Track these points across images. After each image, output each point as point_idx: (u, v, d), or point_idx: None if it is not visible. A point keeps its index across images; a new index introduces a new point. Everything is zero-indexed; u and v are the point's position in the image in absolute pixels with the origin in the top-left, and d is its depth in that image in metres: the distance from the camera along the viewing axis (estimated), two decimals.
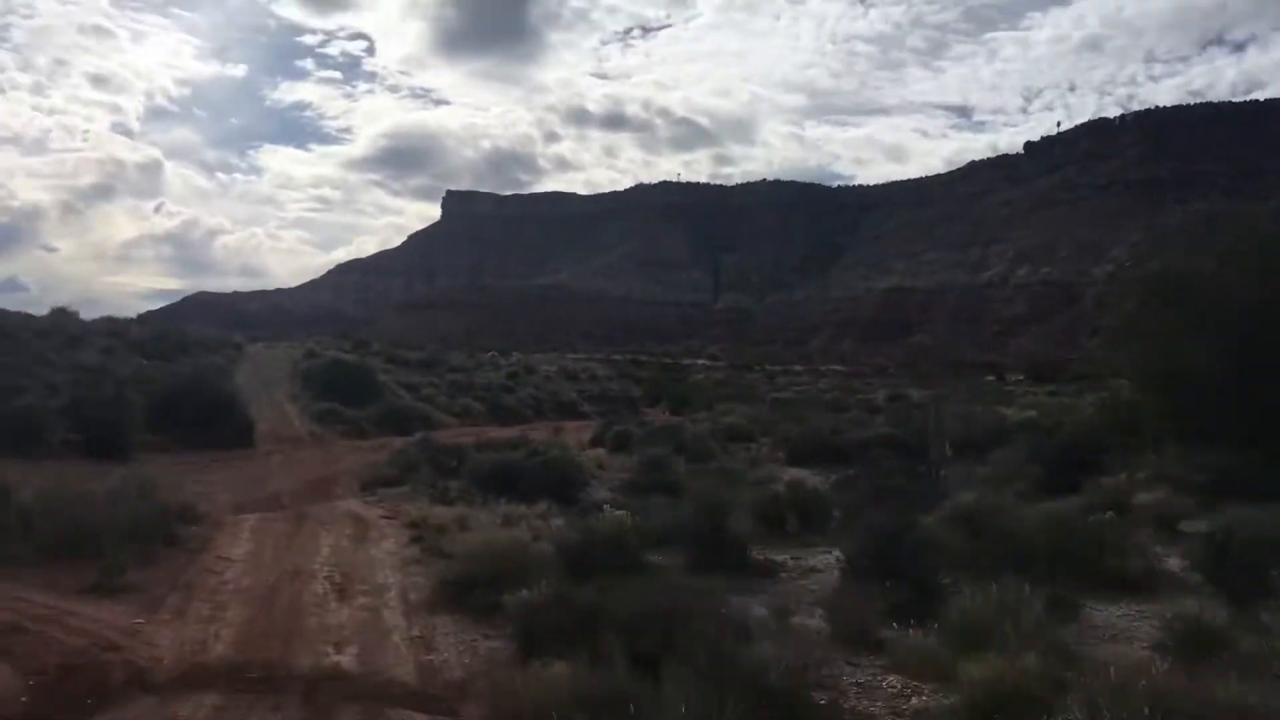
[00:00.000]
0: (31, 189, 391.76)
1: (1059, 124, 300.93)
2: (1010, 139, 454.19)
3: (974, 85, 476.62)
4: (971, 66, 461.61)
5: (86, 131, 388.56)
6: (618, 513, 13.50)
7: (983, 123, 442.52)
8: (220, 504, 20.33)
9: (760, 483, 19.84)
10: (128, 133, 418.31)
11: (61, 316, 41.62)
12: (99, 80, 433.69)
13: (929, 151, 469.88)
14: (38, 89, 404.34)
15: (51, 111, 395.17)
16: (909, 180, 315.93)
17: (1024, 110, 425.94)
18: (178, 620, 10.73)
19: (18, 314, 39.50)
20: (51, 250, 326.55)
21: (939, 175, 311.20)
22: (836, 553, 13.81)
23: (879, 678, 9.09)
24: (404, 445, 27.51)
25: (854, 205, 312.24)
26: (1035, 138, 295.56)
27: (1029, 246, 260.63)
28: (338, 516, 18.79)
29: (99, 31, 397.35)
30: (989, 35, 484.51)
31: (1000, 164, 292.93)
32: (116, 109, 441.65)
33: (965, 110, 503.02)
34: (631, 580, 10.18)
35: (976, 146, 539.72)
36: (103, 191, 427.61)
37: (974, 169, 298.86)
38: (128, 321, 44.95)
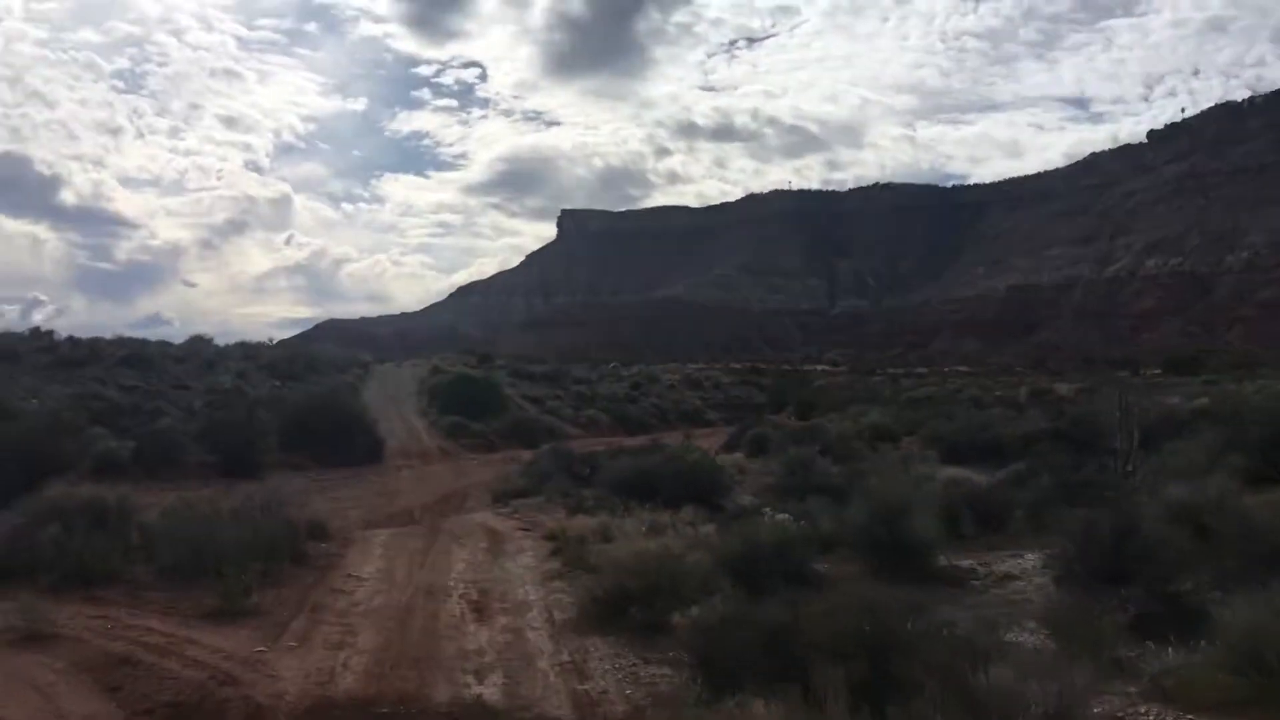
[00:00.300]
0: (171, 228, 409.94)
1: (1183, 110, 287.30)
2: (1132, 129, 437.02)
3: (1091, 75, 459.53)
4: (1088, 56, 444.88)
5: (220, 170, 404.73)
6: (780, 517, 11.86)
7: (1101, 113, 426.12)
8: (351, 520, 19.44)
9: (919, 482, 17.95)
10: (258, 169, 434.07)
11: (198, 342, 42.04)
12: (230, 121, 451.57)
13: (1046, 146, 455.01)
14: (174, 132, 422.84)
15: (187, 153, 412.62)
16: (1027, 176, 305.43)
17: (1145, 99, 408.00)
18: (303, 647, 9.55)
19: (156, 342, 40.02)
20: (191, 285, 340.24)
21: (1059, 169, 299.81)
22: (1031, 556, 11.97)
23: (1134, 708, 7.31)
24: (534, 456, 26.33)
25: (971, 204, 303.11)
26: (1158, 126, 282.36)
27: (1158, 237, 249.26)
28: (471, 530, 17.65)
29: (229, 74, 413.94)
30: (1105, 23, 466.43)
31: (1123, 154, 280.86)
32: (247, 147, 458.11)
33: (1082, 102, 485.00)
34: (811, 593, 8.61)
35: (1096, 138, 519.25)
36: (237, 227, 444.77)
37: (1095, 160, 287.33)
38: (259, 345, 44.98)
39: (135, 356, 36.90)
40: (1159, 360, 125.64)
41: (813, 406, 58.44)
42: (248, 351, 43.12)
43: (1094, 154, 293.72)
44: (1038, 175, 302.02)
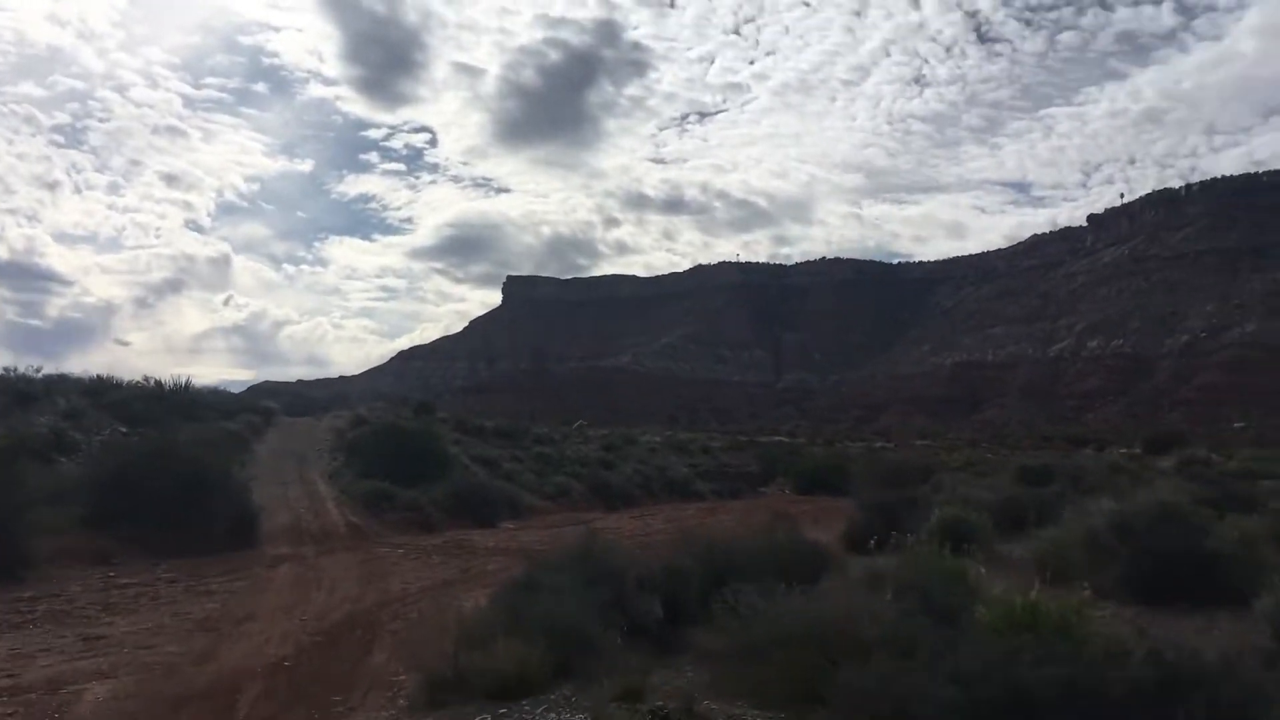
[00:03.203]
0: (106, 285, 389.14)
1: (1122, 196, 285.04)
2: (1071, 213, 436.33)
3: (1031, 161, 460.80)
4: (1029, 143, 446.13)
5: (159, 228, 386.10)
6: None
7: (1042, 198, 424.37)
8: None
9: None
10: (199, 229, 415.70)
11: (11, 374, 28.99)
12: (171, 179, 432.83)
13: (989, 227, 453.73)
14: (113, 188, 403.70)
15: (126, 210, 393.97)
16: (971, 255, 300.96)
17: (1084, 185, 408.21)
18: None
19: None
20: (125, 344, 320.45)
21: (1001, 250, 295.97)
22: None
23: None
24: (531, 567, 13.50)
25: (916, 281, 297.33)
26: (1097, 210, 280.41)
27: (1099, 319, 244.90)
28: None
29: (172, 132, 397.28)
30: (1045, 111, 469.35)
31: (1064, 237, 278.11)
32: (188, 206, 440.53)
33: (1024, 186, 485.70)
34: None
35: (1036, 221, 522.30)
36: (174, 286, 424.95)
37: (1037, 243, 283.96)
38: (115, 381, 31.82)
39: None
40: (1128, 439, 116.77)
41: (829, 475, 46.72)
42: (94, 387, 29.88)
43: (1035, 236, 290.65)
44: (981, 255, 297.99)
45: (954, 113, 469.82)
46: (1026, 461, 36.84)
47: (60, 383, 29.84)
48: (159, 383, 31.99)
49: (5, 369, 29.14)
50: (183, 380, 32.68)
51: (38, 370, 29.63)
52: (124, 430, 27.10)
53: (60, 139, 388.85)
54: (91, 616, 12.80)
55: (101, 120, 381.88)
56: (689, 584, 9.07)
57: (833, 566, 9.79)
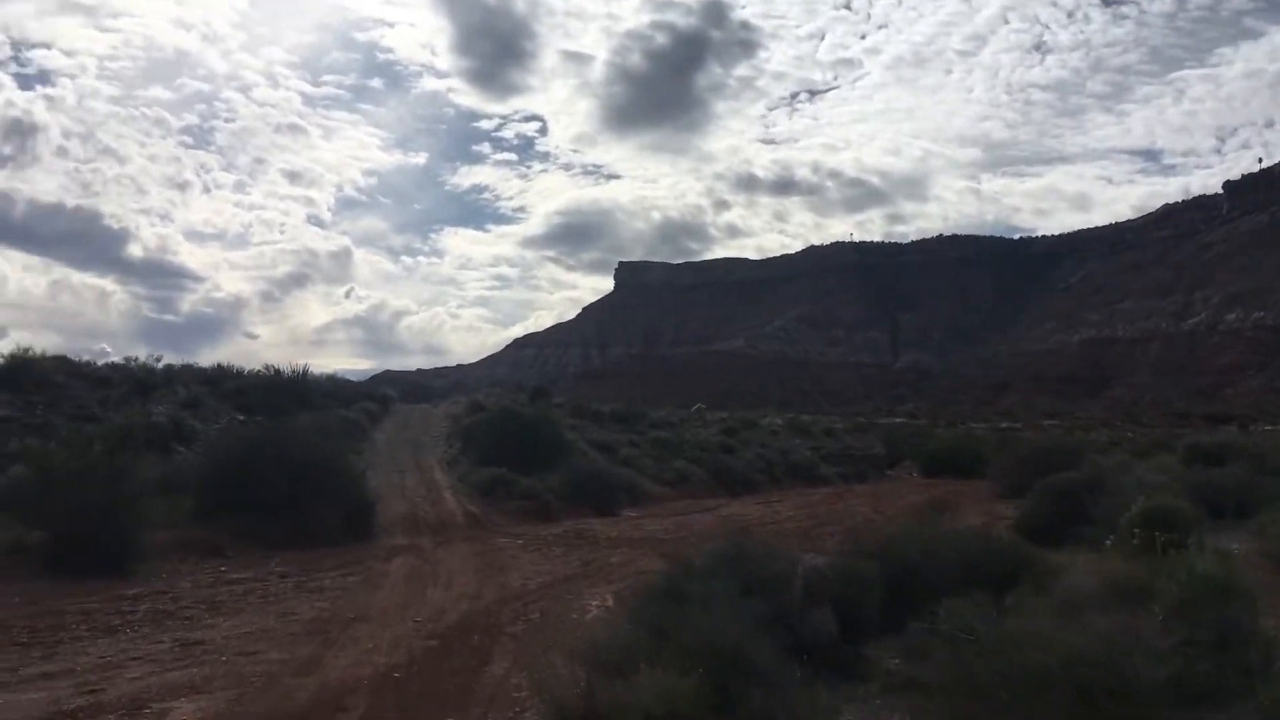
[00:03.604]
0: (235, 281, 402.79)
1: (1260, 160, 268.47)
2: (1204, 181, 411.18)
3: (1161, 128, 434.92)
4: (1158, 108, 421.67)
5: (283, 224, 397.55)
6: None
7: (1174, 165, 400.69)
8: None
9: None
10: (320, 223, 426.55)
11: (134, 362, 28.89)
12: (294, 175, 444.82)
13: (1116, 198, 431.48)
14: (239, 187, 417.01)
15: (252, 207, 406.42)
16: (1098, 228, 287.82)
17: (1218, 150, 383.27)
18: None
19: (60, 357, 26.78)
20: (253, 338, 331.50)
21: (1130, 221, 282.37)
22: None
23: None
24: (671, 568, 11.84)
25: (1039, 256, 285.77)
26: (1233, 177, 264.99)
27: (1238, 290, 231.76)
28: None
29: (293, 129, 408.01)
30: (1175, 75, 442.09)
31: (1198, 206, 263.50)
32: (310, 201, 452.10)
33: (1153, 153, 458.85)
34: None
35: (1168, 190, 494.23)
36: (298, 280, 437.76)
37: (1169, 212, 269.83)
38: (231, 369, 31.56)
39: (16, 372, 23.67)
40: (1271, 415, 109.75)
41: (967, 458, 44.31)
42: (213, 375, 29.64)
43: (1167, 205, 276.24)
44: (1108, 227, 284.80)
45: (1077, 80, 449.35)
46: (1198, 439, 33.68)
47: (180, 372, 29.67)
48: (277, 371, 31.67)
49: (126, 359, 29.06)
50: (300, 368, 32.23)
51: (158, 360, 29.48)
52: (241, 419, 26.69)
53: (189, 140, 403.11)
54: (194, 618, 11.87)
55: (227, 120, 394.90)
56: (868, 592, 7.50)
57: (1035, 569, 8.04)
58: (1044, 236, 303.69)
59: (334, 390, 34.24)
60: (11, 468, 17.08)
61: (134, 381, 26.88)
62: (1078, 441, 39.02)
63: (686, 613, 6.45)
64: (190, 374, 29.70)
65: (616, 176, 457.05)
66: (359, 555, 17.71)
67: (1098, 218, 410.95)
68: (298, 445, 20.02)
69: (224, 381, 29.43)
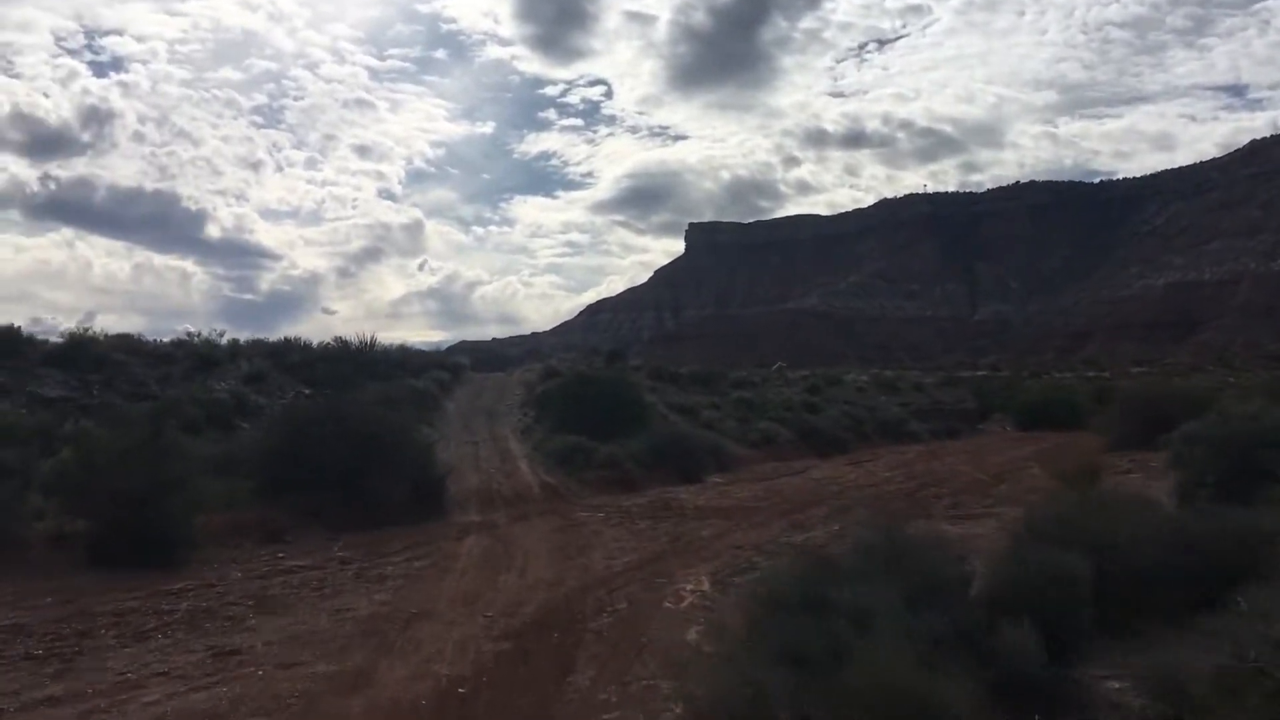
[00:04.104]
0: (311, 257, 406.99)
1: None
2: None
3: (1246, 61, 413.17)
4: (1242, 41, 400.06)
5: (355, 200, 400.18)
6: None
7: (1260, 100, 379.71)
8: None
9: None
10: (391, 197, 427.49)
11: (194, 337, 27.83)
12: (363, 150, 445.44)
13: (1200, 136, 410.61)
14: (311, 164, 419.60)
15: (324, 183, 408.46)
16: (1181, 168, 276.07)
17: None
18: None
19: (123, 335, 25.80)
20: (331, 313, 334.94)
21: (1216, 159, 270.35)
22: None
23: None
24: (811, 568, 9.83)
25: (1120, 200, 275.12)
26: None
27: None
28: None
29: (361, 104, 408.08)
30: (1260, 4, 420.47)
31: None
32: (380, 176, 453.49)
33: (1238, 89, 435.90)
34: None
35: (1255, 126, 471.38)
36: (372, 254, 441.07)
37: (1257, 149, 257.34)
38: (296, 342, 30.36)
39: (75, 350, 22.64)
40: None
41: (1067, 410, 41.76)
42: (278, 349, 28.47)
43: (1254, 141, 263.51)
44: (1193, 167, 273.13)
45: (1156, 15, 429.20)
46: None
47: (246, 347, 28.54)
48: (343, 342, 30.38)
49: (188, 333, 27.97)
50: (367, 339, 30.91)
51: (221, 334, 28.34)
52: (307, 392, 25.45)
53: (260, 119, 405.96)
54: (236, 617, 10.40)
55: (296, 99, 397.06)
56: (1075, 595, 5.59)
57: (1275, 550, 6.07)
58: (1125, 179, 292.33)
59: (403, 360, 32.87)
60: (62, 450, 15.92)
61: (197, 357, 25.73)
62: (1194, 387, 36.07)
63: (835, 633, 4.65)
64: (256, 348, 28.51)
65: (684, 137, 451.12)
66: (428, 535, 16.23)
67: (1181, 158, 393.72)
68: (362, 417, 18.58)
69: (289, 355, 28.20)
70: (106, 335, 25.39)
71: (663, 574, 12.57)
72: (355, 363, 29.10)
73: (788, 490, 22.53)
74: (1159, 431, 28.51)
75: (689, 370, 42.75)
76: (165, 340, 28.09)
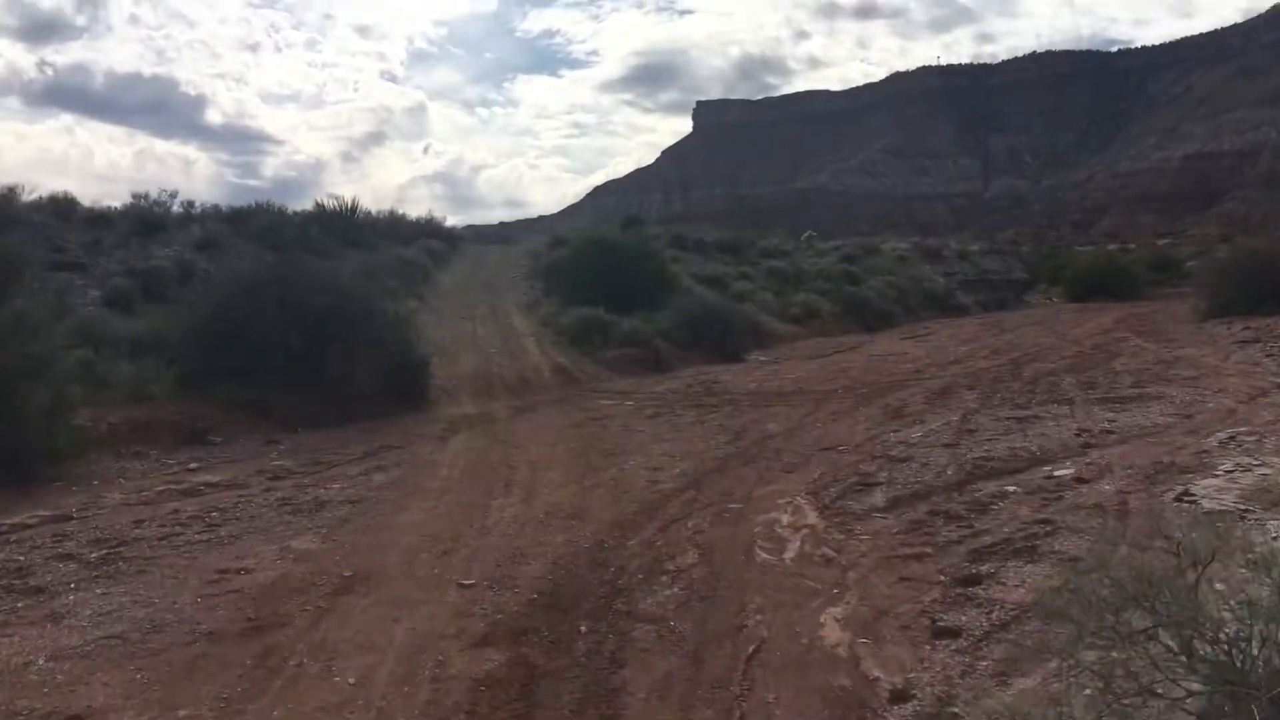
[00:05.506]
0: (314, 142, 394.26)
1: None
2: None
3: None
4: None
5: (356, 82, 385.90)
6: None
7: None
8: None
9: None
10: (394, 79, 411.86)
11: (145, 201, 23.07)
12: (364, 30, 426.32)
13: (1222, 2, 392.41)
14: (310, 45, 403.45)
15: (325, 65, 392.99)
16: (1201, 35, 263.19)
17: None
18: None
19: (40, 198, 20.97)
20: (337, 199, 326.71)
21: (1237, 25, 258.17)
22: None
23: None
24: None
25: (1138, 69, 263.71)
26: None
27: None
28: None
29: None
30: None
31: None
32: (382, 57, 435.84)
33: None
34: None
35: None
36: (376, 138, 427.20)
37: None
38: (273, 208, 25.61)
39: None
40: None
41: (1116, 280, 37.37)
42: (238, 214, 23.79)
43: (1278, 6, 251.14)
44: (1213, 33, 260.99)
45: None
46: None
47: (203, 212, 23.92)
48: (320, 206, 25.75)
49: (135, 195, 23.19)
50: (349, 202, 26.21)
51: (172, 195, 23.57)
52: (270, 260, 20.91)
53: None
54: (50, 586, 6.12)
55: None
56: None
57: None
58: (1143, 48, 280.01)
59: (391, 228, 28.21)
60: None
61: (138, 221, 21.13)
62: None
63: None
64: (213, 213, 23.86)
65: (690, 11, 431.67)
66: (403, 433, 11.98)
67: (1201, 24, 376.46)
68: (317, 282, 14.12)
69: (252, 219, 23.52)
70: (35, 197, 20.84)
71: (735, 494, 8.28)
72: (331, 229, 24.46)
73: (853, 370, 18.16)
74: (1267, 297, 24.14)
75: (714, 238, 37.95)
76: (114, 206, 23.45)
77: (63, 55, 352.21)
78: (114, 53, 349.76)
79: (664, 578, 6.05)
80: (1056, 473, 8.31)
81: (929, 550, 6.30)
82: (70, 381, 10.88)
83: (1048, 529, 6.52)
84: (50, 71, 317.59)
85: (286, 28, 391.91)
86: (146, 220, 21.39)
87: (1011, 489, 7.84)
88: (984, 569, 5.79)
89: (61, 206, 21.32)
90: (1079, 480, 7.96)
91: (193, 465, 10.33)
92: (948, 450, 9.53)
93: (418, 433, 12.04)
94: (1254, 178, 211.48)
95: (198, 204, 24.21)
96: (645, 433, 11.70)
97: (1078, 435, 9.95)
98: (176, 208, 23.27)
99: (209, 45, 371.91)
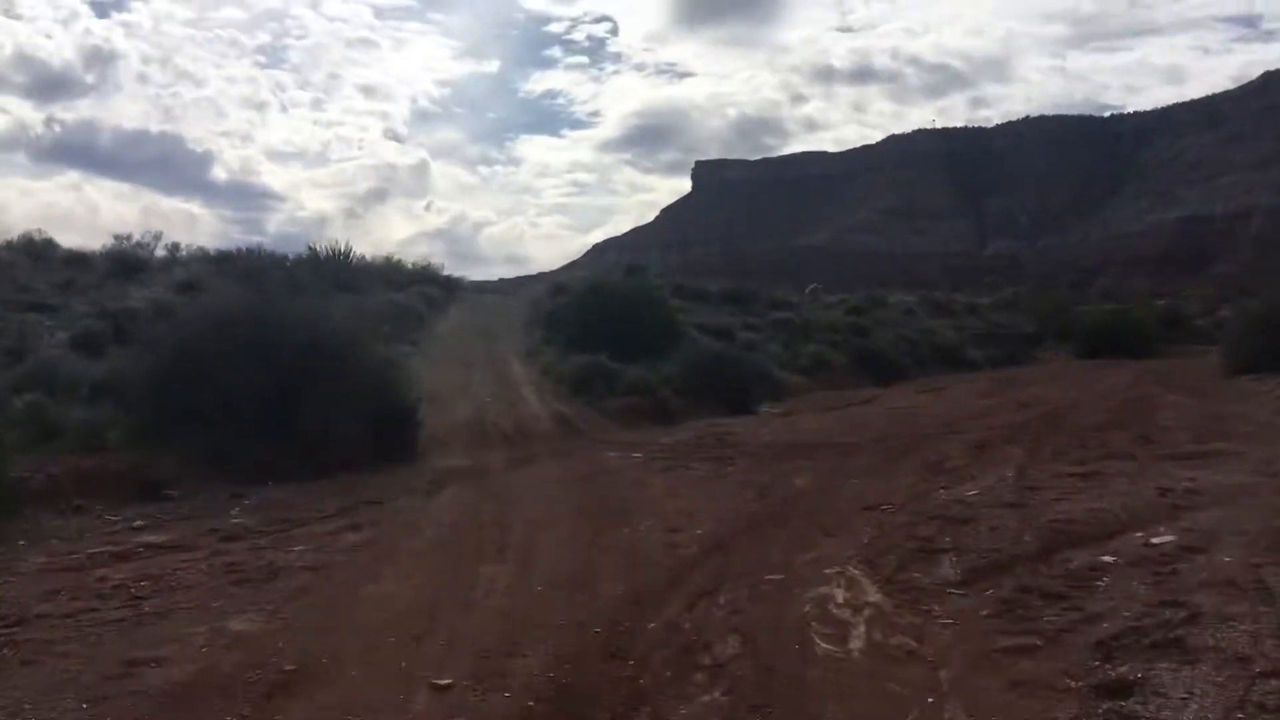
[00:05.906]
0: (318, 199, 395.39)
1: None
2: None
3: None
4: None
5: (361, 140, 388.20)
6: None
7: (1273, 31, 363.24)
8: None
9: None
10: (397, 137, 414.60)
11: (125, 242, 21.86)
12: (369, 90, 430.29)
13: (1211, 69, 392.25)
14: (316, 104, 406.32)
15: (329, 124, 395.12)
16: (1193, 101, 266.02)
17: None
18: None
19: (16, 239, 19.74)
20: (330, 242, 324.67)
21: (1228, 92, 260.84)
22: None
23: None
24: None
25: (1130, 134, 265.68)
26: None
27: None
28: None
29: (365, 44, 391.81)
30: None
31: None
32: (385, 116, 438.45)
33: (1251, 20, 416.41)
34: None
35: (1268, 58, 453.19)
36: (379, 195, 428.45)
37: (1269, 81, 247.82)
38: (260, 252, 24.36)
39: None
40: None
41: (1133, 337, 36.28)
42: (224, 256, 22.60)
43: (1267, 74, 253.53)
44: (1204, 100, 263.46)
45: None
46: None
47: (187, 256, 22.73)
48: (312, 249, 24.55)
49: (117, 237, 22.00)
50: (342, 246, 24.97)
51: (157, 236, 22.38)
52: (240, 295, 19.63)
53: (263, 59, 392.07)
54: None
55: (299, 38, 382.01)
56: None
57: None
58: (1135, 113, 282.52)
59: (387, 274, 26.98)
60: None
61: (116, 263, 19.87)
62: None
63: None
64: (197, 255, 22.66)
65: (690, 74, 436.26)
66: (384, 487, 10.58)
67: (1192, 90, 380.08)
68: (296, 321, 12.78)
69: (239, 261, 22.28)
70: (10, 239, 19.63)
71: (771, 561, 6.85)
72: (322, 272, 23.21)
73: (875, 422, 16.78)
74: None
75: (719, 288, 36.76)
76: (98, 250, 22.22)
77: (70, 112, 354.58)
78: (122, 110, 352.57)
79: (699, 675, 4.62)
80: (1154, 540, 6.90)
81: (1037, 642, 4.88)
82: (9, 428, 9.52)
83: (1182, 614, 5.10)
84: (58, 128, 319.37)
85: (293, 87, 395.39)
86: (126, 261, 20.12)
87: (1109, 559, 6.42)
88: (1124, 671, 4.37)
89: (34, 247, 20.01)
90: (1188, 550, 6.54)
91: (138, 523, 8.90)
92: (1015, 511, 8.11)
93: (401, 487, 10.63)
94: (1246, 241, 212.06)
95: (183, 246, 22.86)
96: (658, 488, 10.28)
97: (1161, 495, 8.54)
98: (161, 251, 21.94)
99: (215, 103, 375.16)
